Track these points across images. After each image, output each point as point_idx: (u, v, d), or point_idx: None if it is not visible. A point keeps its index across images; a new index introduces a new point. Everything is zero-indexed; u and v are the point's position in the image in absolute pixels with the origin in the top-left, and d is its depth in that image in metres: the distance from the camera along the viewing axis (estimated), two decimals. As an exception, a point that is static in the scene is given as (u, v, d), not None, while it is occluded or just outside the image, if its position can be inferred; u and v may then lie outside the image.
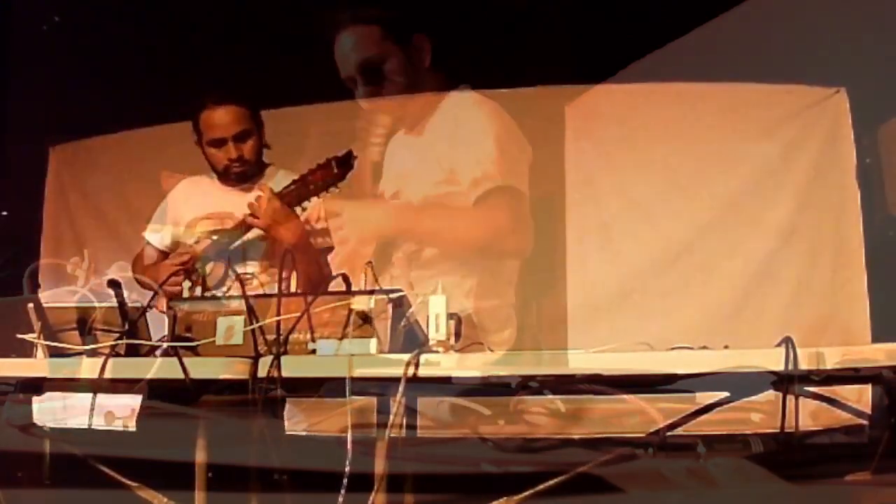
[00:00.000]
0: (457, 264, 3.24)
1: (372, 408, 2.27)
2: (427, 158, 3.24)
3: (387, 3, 3.33)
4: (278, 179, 3.16)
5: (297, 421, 2.43)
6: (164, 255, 3.31)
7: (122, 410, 2.50)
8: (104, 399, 2.39)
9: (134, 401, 2.42)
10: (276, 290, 2.44)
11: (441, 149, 3.23)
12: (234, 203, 3.18)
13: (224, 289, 3.01)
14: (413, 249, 3.26)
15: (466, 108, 3.28)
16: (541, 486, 2.16)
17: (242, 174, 3.21)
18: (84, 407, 2.37)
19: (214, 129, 3.17)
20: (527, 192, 3.25)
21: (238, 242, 3.08)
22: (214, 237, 3.10)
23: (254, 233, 3.06)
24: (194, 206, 3.27)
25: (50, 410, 2.53)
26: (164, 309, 2.53)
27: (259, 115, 3.22)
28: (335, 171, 2.95)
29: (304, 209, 3.03)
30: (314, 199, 3.00)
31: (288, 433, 2.34)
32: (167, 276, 2.88)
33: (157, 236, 3.34)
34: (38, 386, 2.50)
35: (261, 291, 2.81)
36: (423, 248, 3.25)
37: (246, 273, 2.99)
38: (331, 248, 3.23)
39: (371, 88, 3.24)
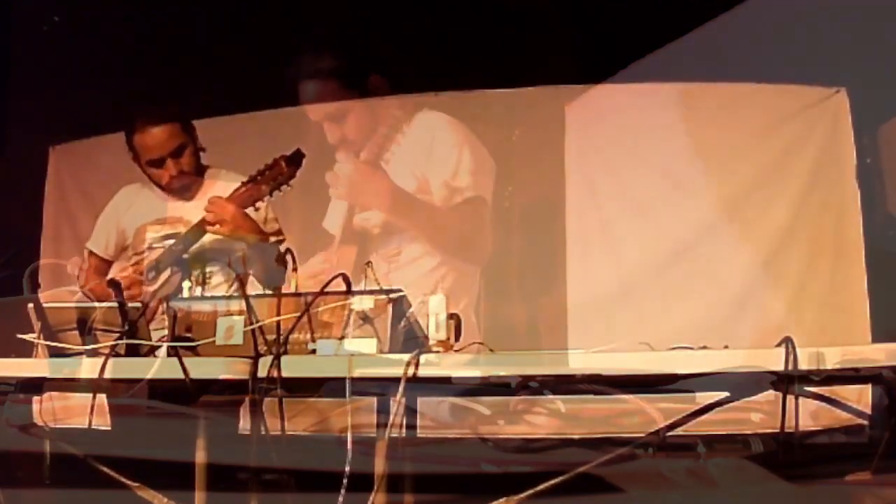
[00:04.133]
0: (434, 266, 3.27)
1: (372, 408, 2.27)
2: (397, 175, 3.30)
3: (341, 49, 3.35)
4: (223, 179, 3.19)
5: (298, 421, 2.43)
6: (108, 264, 3.34)
7: (121, 410, 2.51)
8: (104, 399, 2.39)
9: (134, 401, 2.42)
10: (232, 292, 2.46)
11: (412, 164, 3.29)
12: (180, 207, 3.23)
13: (224, 288, 3.02)
14: (393, 252, 3.28)
15: (436, 129, 3.34)
16: (541, 486, 2.16)
17: (185, 186, 3.23)
18: (84, 407, 2.37)
19: (150, 150, 3.20)
20: (491, 202, 3.34)
21: (194, 247, 3.10)
22: (169, 242, 3.12)
23: (207, 237, 3.08)
24: (139, 214, 3.30)
25: (50, 410, 2.54)
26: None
27: (190, 123, 3.24)
28: (285, 170, 2.96)
29: (256, 209, 3.05)
30: (266, 199, 3.01)
31: (288, 433, 2.34)
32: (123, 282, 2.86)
33: (101, 245, 3.36)
34: (38, 386, 2.51)
35: (226, 293, 2.84)
36: (401, 250, 3.29)
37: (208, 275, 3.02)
38: (282, 240, 3.24)
39: (338, 132, 3.28)
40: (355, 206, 3.38)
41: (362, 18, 3.62)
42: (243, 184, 3.02)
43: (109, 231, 3.36)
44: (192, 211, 3.18)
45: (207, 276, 3.08)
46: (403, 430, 2.22)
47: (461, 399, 2.48)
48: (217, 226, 3.04)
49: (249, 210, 3.05)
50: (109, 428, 2.53)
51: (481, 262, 3.40)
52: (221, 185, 3.17)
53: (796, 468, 2.23)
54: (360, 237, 3.34)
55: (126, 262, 3.28)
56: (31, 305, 2.47)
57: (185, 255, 3.10)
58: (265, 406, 2.23)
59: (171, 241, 3.15)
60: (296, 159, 2.97)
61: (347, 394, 2.16)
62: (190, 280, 2.89)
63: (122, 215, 3.35)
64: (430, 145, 3.32)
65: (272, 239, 3.20)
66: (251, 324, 2.30)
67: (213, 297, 2.74)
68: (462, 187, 3.27)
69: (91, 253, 3.38)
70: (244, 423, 2.34)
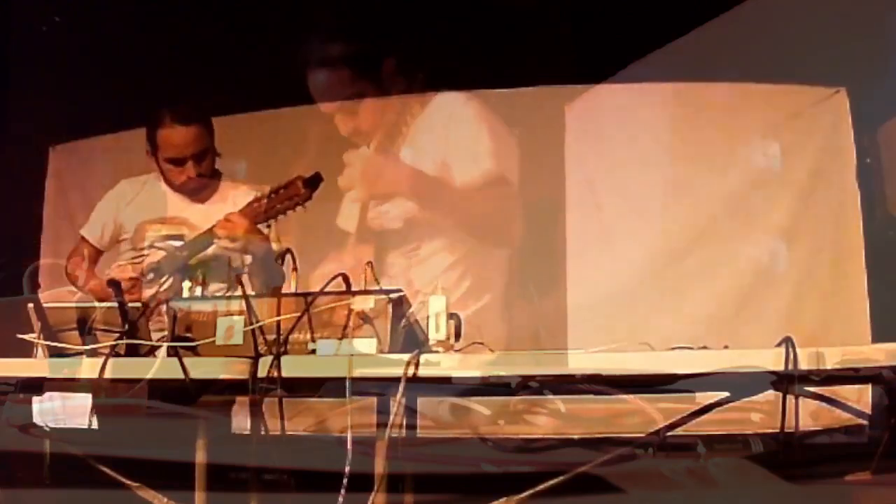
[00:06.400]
0: (456, 259, 3.25)
1: (372, 408, 2.27)
2: (417, 160, 3.27)
3: (353, 35, 3.33)
4: (237, 188, 3.18)
5: (298, 421, 2.43)
6: (99, 253, 3.33)
7: (121, 410, 2.51)
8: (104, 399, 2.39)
9: (134, 401, 2.42)
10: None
11: (431, 148, 3.26)
12: (185, 208, 3.21)
13: (223, 288, 3.01)
14: (411, 247, 3.26)
15: (455, 107, 3.31)
16: (541, 486, 2.16)
17: (198, 189, 3.22)
18: (84, 407, 2.37)
19: (174, 148, 3.17)
20: (516, 183, 3.29)
21: (200, 255, 3.06)
22: (171, 243, 3.11)
23: (212, 248, 3.04)
24: (141, 209, 3.28)
25: (50, 410, 2.54)
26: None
27: (212, 126, 3.22)
28: (302, 191, 2.88)
29: (269, 227, 3.01)
30: (279, 217, 2.96)
31: (288, 433, 2.34)
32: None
33: (96, 235, 3.34)
34: (38, 386, 2.51)
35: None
36: (420, 246, 3.27)
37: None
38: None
39: (351, 123, 3.26)
40: (370, 200, 3.34)
41: (361, 19, 3.62)
42: (257, 199, 2.97)
43: (106, 222, 3.33)
44: (197, 214, 3.16)
45: (207, 279, 3.05)
46: (403, 430, 2.22)
47: (461, 399, 2.48)
48: (227, 241, 2.99)
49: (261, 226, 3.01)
50: (110, 428, 2.54)
51: (510, 245, 3.33)
52: (234, 195, 3.15)
53: (796, 468, 2.23)
54: (376, 235, 3.31)
55: (121, 257, 3.24)
56: (31, 305, 2.47)
57: (190, 262, 3.07)
58: (265, 406, 2.23)
59: (174, 243, 3.13)
60: (314, 182, 2.89)
61: (347, 394, 2.16)
62: (190, 280, 2.88)
63: (123, 208, 3.32)
64: (447, 126, 3.27)
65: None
66: (251, 324, 2.30)
67: (213, 298, 2.74)
68: (483, 167, 3.22)
69: (83, 239, 3.36)
70: (244, 423, 2.34)
